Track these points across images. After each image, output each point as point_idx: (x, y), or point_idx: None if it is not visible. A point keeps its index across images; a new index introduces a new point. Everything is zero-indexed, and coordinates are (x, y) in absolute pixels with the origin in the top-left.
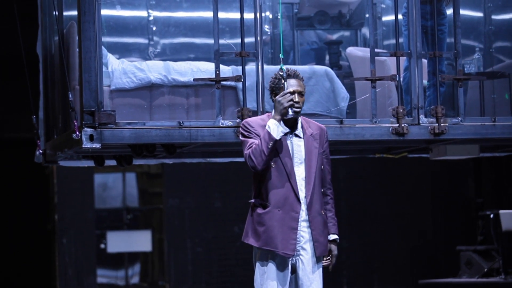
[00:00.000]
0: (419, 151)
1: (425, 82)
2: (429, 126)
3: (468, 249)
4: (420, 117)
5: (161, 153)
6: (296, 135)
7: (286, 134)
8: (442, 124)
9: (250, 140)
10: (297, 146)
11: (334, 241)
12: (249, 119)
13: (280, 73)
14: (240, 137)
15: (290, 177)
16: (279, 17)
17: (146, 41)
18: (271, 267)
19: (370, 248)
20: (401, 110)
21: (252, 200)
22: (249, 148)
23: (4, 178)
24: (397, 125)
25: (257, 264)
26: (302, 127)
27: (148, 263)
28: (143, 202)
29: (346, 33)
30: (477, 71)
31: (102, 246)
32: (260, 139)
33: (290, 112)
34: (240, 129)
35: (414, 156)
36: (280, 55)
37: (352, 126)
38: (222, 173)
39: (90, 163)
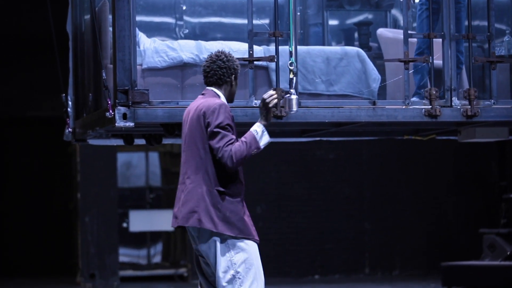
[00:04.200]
0: (447, 134)
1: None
2: (462, 108)
3: (491, 232)
4: (452, 99)
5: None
6: None
7: None
8: (475, 107)
9: (230, 135)
10: None
11: None
12: (226, 104)
13: (290, 67)
14: (224, 122)
15: None
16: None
17: (175, 20)
18: (256, 249)
19: (392, 230)
20: (434, 92)
21: (220, 188)
22: (229, 144)
23: (27, 156)
24: (430, 107)
25: (242, 249)
26: None
27: (170, 242)
28: (166, 182)
29: (376, 14)
30: (507, 54)
31: (125, 225)
32: (245, 142)
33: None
34: (225, 112)
35: (442, 138)
36: (290, 48)
37: (385, 108)
38: None
39: (119, 142)
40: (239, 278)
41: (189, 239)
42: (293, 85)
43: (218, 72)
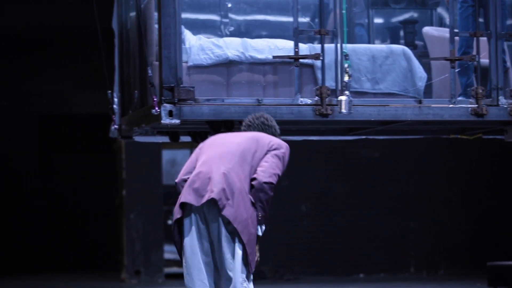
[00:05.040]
0: (494, 133)
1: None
2: (509, 107)
3: None
4: (499, 98)
5: (237, 130)
6: None
7: None
8: None
9: (280, 174)
10: None
11: None
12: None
13: (347, 70)
14: (284, 155)
15: None
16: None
17: (221, 18)
18: None
19: (437, 229)
20: (481, 91)
21: (251, 198)
22: (277, 178)
23: (73, 153)
24: (476, 105)
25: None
26: None
27: None
28: None
29: (421, 13)
30: None
31: (170, 222)
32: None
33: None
34: (287, 150)
35: (488, 137)
36: (344, 51)
37: (431, 106)
38: (291, 151)
39: (164, 139)
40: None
41: None
42: (348, 87)
43: (261, 126)
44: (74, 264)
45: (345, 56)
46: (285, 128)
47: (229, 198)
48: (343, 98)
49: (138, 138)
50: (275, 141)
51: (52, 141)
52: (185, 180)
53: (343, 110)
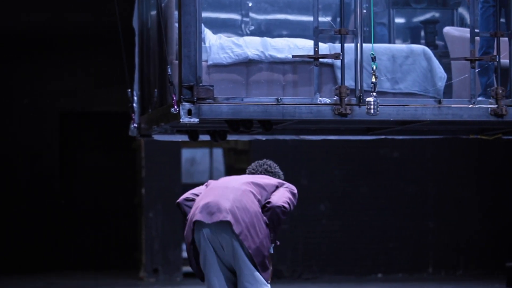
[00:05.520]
0: None
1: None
2: None
3: None
4: None
5: (256, 129)
6: None
7: None
8: None
9: (289, 209)
10: None
11: None
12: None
13: (373, 70)
14: (295, 195)
15: None
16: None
17: (241, 17)
18: None
19: (456, 230)
20: (501, 91)
21: (267, 221)
22: (290, 206)
23: (92, 151)
24: (496, 106)
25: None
26: None
27: None
28: None
29: (443, 13)
30: None
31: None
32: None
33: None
34: (297, 194)
35: (508, 138)
36: (372, 53)
37: (450, 106)
38: (310, 150)
39: (184, 138)
40: None
41: None
42: (375, 88)
43: (264, 173)
44: (92, 262)
45: (373, 58)
46: (304, 127)
47: (244, 222)
48: (371, 99)
49: (157, 137)
50: (286, 182)
51: (72, 139)
52: (187, 199)
53: (372, 111)
